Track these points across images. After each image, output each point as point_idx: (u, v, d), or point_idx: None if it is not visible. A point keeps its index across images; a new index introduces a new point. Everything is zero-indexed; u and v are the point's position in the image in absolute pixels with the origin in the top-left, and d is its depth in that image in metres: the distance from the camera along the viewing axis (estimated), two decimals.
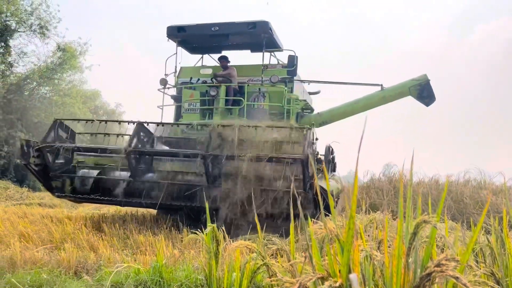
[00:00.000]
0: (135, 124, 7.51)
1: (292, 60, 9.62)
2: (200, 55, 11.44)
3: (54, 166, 7.82)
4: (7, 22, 21.25)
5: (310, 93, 11.63)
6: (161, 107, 10.26)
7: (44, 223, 7.27)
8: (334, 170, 10.33)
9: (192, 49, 11.19)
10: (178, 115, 10.32)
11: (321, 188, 6.07)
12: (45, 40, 22.70)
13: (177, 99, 10.52)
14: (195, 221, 7.68)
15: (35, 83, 22.66)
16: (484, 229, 5.72)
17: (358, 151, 1.52)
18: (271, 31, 9.53)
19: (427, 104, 10.59)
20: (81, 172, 8.16)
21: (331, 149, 9.62)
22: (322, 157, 8.92)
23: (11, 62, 21.98)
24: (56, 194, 7.95)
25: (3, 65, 21.44)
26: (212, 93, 9.26)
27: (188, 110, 9.67)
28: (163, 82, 10.30)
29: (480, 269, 2.00)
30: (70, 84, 24.59)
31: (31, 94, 22.47)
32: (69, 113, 23.25)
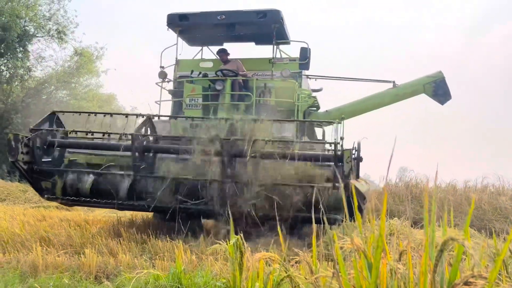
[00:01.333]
0: (144, 117, 7.05)
1: (305, 52, 9.01)
2: (200, 47, 10.70)
3: (43, 164, 6.92)
4: (26, 27, 21.67)
5: (313, 90, 10.99)
6: (159, 102, 9.52)
7: (63, 227, 7.38)
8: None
9: (192, 40, 10.44)
10: (176, 111, 9.60)
11: (357, 190, 5.67)
12: (63, 45, 23.15)
13: (175, 94, 9.78)
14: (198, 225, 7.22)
15: (52, 87, 23.05)
16: (503, 238, 5.65)
17: (385, 178, 1.53)
18: (282, 21, 8.92)
19: (442, 103, 10.15)
20: (76, 171, 7.17)
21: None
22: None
23: (30, 66, 22.43)
24: (46, 196, 7.05)
25: (22, 70, 21.88)
26: (219, 87, 8.58)
27: (190, 106, 8.93)
28: (162, 75, 9.61)
29: (505, 284, 2.00)
30: (86, 88, 24.98)
31: (48, 98, 22.86)
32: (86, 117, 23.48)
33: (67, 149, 7.36)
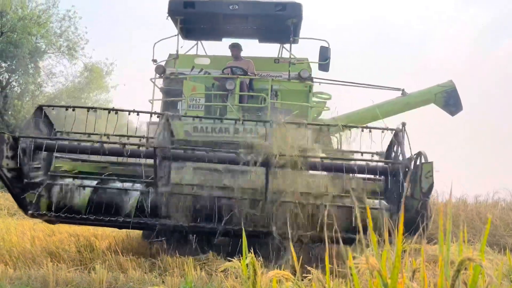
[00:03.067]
0: (162, 117, 5.96)
1: (325, 52, 8.20)
2: (194, 42, 9.69)
3: (31, 171, 5.60)
4: (37, 44, 22.03)
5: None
6: (151, 102, 8.35)
7: (73, 242, 7.40)
8: None
9: (189, 33, 9.18)
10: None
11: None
12: (73, 61, 23.47)
13: (167, 92, 8.62)
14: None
15: (63, 102, 23.31)
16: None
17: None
18: (301, 15, 8.05)
19: (453, 114, 9.68)
20: (68, 181, 5.84)
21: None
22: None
23: (40, 82, 22.78)
24: (30, 212, 5.57)
25: (33, 85, 22.22)
26: (229, 87, 7.50)
27: (191, 107, 7.77)
28: (160, 69, 8.39)
29: None
30: (96, 104, 25.21)
31: (58, 114, 23.12)
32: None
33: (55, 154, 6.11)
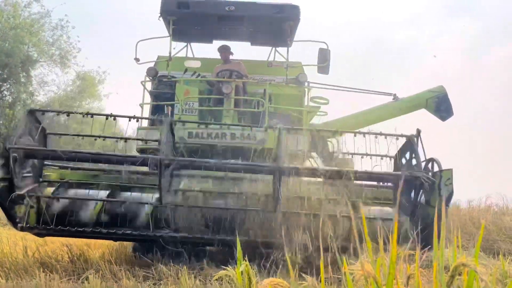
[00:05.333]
0: (165, 122, 5.68)
1: (325, 54, 8.05)
2: (184, 44, 9.38)
3: (21, 182, 5.26)
4: (29, 52, 21.96)
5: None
6: (141, 105, 8.13)
7: (65, 251, 7.32)
8: None
9: (179, 34, 8.68)
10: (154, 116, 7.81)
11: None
12: (65, 70, 23.42)
13: (157, 96, 8.12)
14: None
15: None
16: (508, 258, 5.60)
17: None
18: (299, 18, 7.88)
19: (444, 119, 9.63)
20: (71, 192, 5.80)
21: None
22: None
23: (32, 91, 22.68)
24: (20, 225, 5.37)
25: (25, 94, 22.10)
26: (226, 90, 7.28)
27: (185, 111, 7.45)
28: (152, 72, 7.96)
29: None
30: None
31: (51, 122, 22.97)
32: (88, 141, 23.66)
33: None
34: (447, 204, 4.95)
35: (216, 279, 5.13)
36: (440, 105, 9.44)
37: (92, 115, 6.52)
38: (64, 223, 5.44)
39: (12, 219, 5.41)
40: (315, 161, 7.35)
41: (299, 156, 6.15)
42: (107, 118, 6.18)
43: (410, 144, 5.55)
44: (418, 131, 5.61)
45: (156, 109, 8.11)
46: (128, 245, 8.67)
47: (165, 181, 5.20)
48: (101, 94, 25.41)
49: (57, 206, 5.53)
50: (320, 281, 2.06)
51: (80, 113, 6.67)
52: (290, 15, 7.80)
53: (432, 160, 5.23)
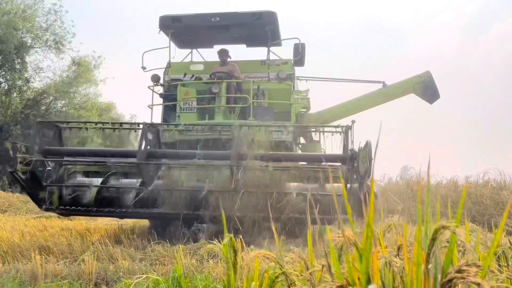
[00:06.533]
0: (144, 125, 6.84)
1: (298, 48, 9.07)
2: (189, 50, 10.69)
3: (46, 174, 6.76)
4: (23, 38, 21.73)
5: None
6: (151, 107, 9.49)
7: (64, 236, 7.36)
8: None
9: (182, 43, 10.29)
10: (167, 114, 9.51)
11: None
12: (60, 55, 23.22)
13: (166, 97, 9.64)
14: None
15: (51, 97, 23.11)
16: (505, 230, 5.62)
17: (373, 157, 1.51)
18: (277, 23, 8.94)
19: (431, 102, 10.40)
20: (77, 180, 7.18)
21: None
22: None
23: (28, 77, 22.49)
24: (44, 207, 6.81)
25: (20, 81, 21.94)
26: (215, 90, 8.43)
27: (185, 110, 8.72)
28: (155, 78, 9.50)
29: (503, 273, 1.97)
30: (85, 98, 24.99)
31: (48, 109, 22.92)
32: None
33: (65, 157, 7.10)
34: (364, 178, 5.77)
35: (212, 258, 5.16)
36: (426, 90, 10.23)
37: (103, 123, 7.61)
38: (76, 204, 6.77)
39: (37, 202, 6.91)
40: (299, 149, 9.20)
41: (281, 144, 7.27)
42: (114, 130, 7.45)
43: (346, 133, 6.59)
44: (352, 122, 6.60)
45: (166, 108, 9.54)
46: (127, 228, 8.75)
47: (144, 171, 6.54)
48: (97, 79, 25.26)
49: (70, 191, 6.83)
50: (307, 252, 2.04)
51: (93, 122, 8.04)
52: (268, 20, 8.83)
53: (367, 142, 6.06)
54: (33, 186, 6.72)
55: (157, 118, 9.55)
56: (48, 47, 22.66)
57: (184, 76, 9.52)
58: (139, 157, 6.42)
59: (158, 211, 6.56)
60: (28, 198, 15.45)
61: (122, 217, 7.72)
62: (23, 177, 6.47)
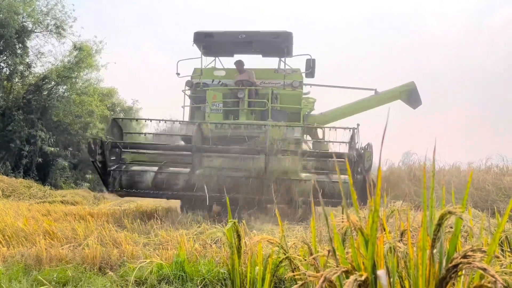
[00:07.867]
0: (196, 124, 8.58)
1: (309, 63, 10.76)
2: (213, 57, 12.29)
3: (111, 163, 8.48)
4: (24, 23, 21.56)
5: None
6: (183, 107, 11.21)
7: (68, 220, 7.41)
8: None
9: (208, 51, 11.84)
10: (194, 114, 11.19)
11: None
12: (62, 40, 22.95)
13: (195, 99, 11.33)
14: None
15: (53, 82, 22.96)
16: (508, 216, 5.62)
17: (381, 143, 1.51)
18: (292, 40, 10.48)
19: (414, 107, 12.07)
20: (137, 168, 8.72)
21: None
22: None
23: (29, 62, 22.33)
24: (110, 189, 8.47)
25: (22, 66, 21.79)
26: (240, 95, 10.19)
27: (213, 111, 10.41)
28: (190, 83, 11.26)
29: (506, 258, 1.97)
30: (87, 83, 24.84)
31: (49, 94, 22.80)
32: (87, 111, 23.58)
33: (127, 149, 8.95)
34: (367, 172, 7.32)
35: (215, 243, 5.19)
36: (410, 97, 11.99)
37: (166, 121, 9.26)
38: (135, 187, 8.39)
39: (106, 185, 8.55)
40: (308, 145, 10.90)
41: (293, 141, 8.72)
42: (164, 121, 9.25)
43: (352, 134, 8.24)
44: (358, 125, 8.24)
45: (193, 109, 11.33)
46: (131, 212, 8.80)
47: (195, 160, 8.32)
48: (99, 64, 25.07)
49: (130, 176, 8.46)
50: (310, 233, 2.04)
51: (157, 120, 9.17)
52: (285, 39, 10.52)
53: (368, 144, 7.66)
54: (104, 172, 8.36)
55: (185, 116, 11.45)
56: (49, 31, 22.43)
57: (212, 82, 11.38)
58: (194, 150, 8.26)
59: (200, 193, 7.99)
60: (31, 183, 15.56)
61: (171, 198, 9.06)
62: (100, 165, 8.17)
